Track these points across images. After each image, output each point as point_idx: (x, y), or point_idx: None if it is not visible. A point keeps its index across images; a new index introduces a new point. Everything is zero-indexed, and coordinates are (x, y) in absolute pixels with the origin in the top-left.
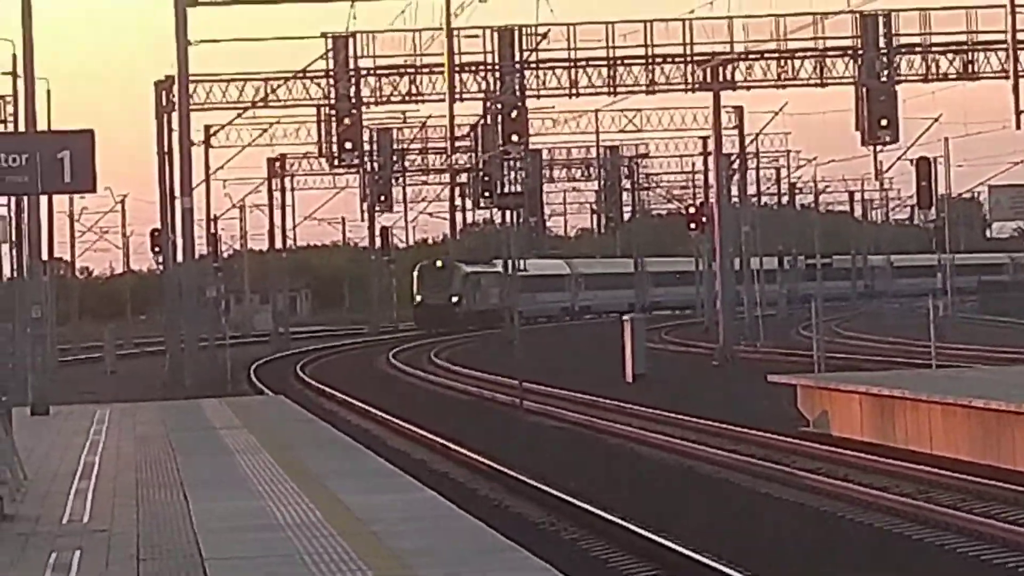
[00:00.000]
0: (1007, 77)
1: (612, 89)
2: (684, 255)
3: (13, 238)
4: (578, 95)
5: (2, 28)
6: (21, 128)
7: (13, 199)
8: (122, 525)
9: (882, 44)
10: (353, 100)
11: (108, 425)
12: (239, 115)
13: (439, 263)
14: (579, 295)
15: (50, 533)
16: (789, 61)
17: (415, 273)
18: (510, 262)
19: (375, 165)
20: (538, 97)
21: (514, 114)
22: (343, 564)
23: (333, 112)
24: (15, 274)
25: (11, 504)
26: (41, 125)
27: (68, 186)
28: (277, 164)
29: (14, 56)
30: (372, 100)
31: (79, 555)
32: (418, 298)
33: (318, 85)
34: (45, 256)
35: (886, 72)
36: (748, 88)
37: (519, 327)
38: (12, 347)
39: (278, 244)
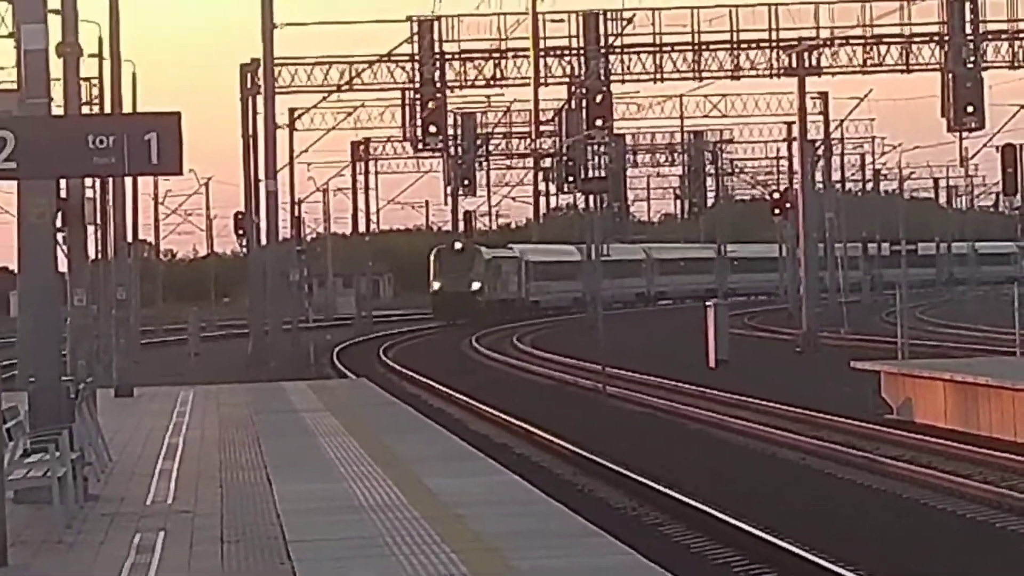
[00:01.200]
0: None
1: (697, 74)
2: (767, 241)
3: (98, 220)
4: (663, 80)
5: (89, 10)
6: (107, 110)
7: (98, 181)
8: (206, 506)
9: (968, 30)
10: (438, 84)
11: (192, 407)
12: (324, 98)
13: (458, 246)
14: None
15: (135, 514)
16: (875, 47)
17: (431, 257)
18: (593, 247)
19: (459, 149)
20: (623, 82)
21: (599, 99)
22: (427, 547)
23: (418, 96)
24: (100, 256)
25: (96, 485)
26: (126, 107)
27: (155, 168)
28: (361, 147)
29: (100, 38)
30: (457, 84)
31: (163, 536)
32: (435, 285)
33: (403, 69)
34: (130, 238)
35: (972, 58)
36: (833, 74)
37: (601, 312)
38: (97, 329)
39: (361, 228)
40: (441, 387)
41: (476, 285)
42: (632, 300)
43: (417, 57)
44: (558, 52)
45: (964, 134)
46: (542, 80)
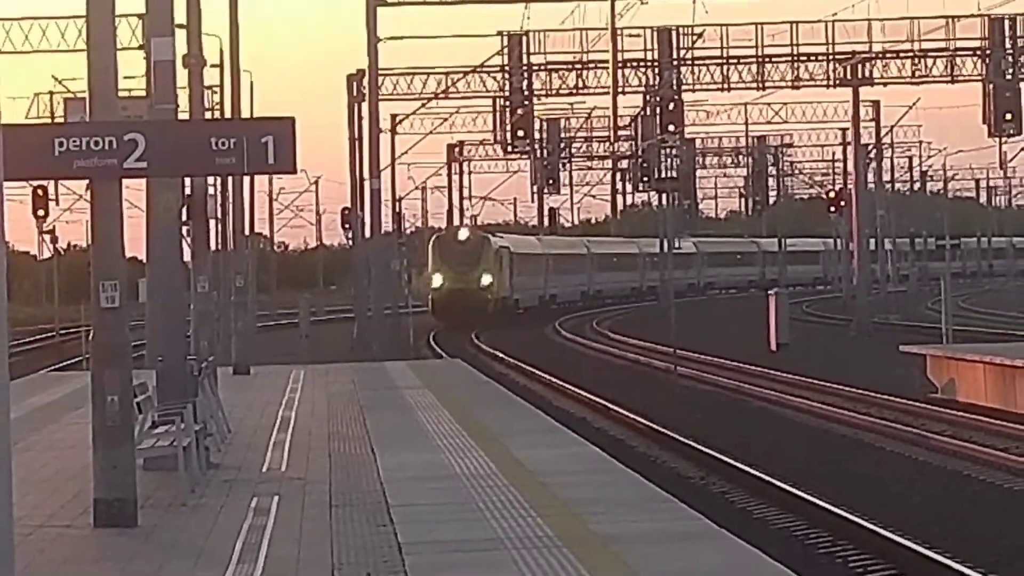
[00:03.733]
0: None
1: (760, 84)
2: (821, 235)
3: (219, 215)
4: (729, 89)
5: (212, 25)
6: (228, 115)
7: (219, 180)
8: (316, 474)
9: (1008, 45)
10: (525, 93)
11: (302, 384)
12: (422, 105)
13: (463, 234)
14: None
15: (251, 480)
16: (922, 60)
17: (430, 246)
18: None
19: (544, 152)
20: (693, 91)
21: (671, 106)
22: (515, 511)
23: (507, 103)
24: (220, 247)
25: (217, 454)
26: (244, 112)
27: (271, 167)
28: (456, 150)
29: (221, 51)
30: (543, 93)
31: (277, 500)
32: (435, 281)
33: (494, 79)
34: (247, 231)
35: (1011, 70)
36: (884, 84)
37: (674, 300)
38: (218, 313)
39: (456, 222)
40: (528, 367)
41: (486, 280)
42: (683, 290)
43: (507, 68)
44: (635, 64)
45: (1003, 139)
46: (620, 89)
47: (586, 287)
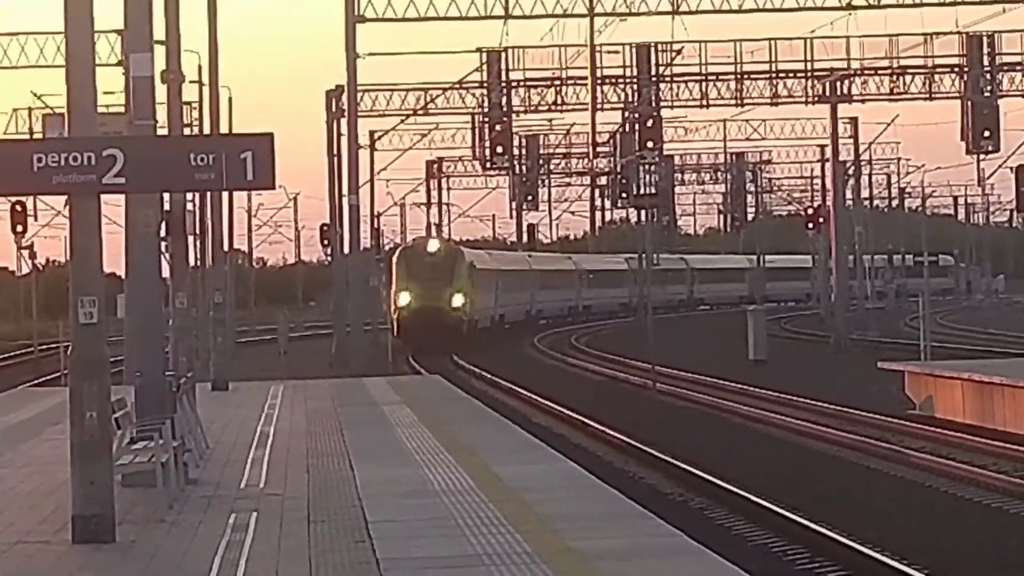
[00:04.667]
0: None
1: (739, 101)
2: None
3: (198, 230)
4: (708, 106)
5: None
6: (206, 130)
7: (198, 196)
8: (294, 490)
9: (986, 62)
10: (504, 109)
11: (281, 400)
12: (401, 121)
13: (433, 246)
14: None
15: (230, 496)
16: (901, 77)
17: (394, 260)
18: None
19: (523, 168)
20: (671, 107)
21: (650, 123)
22: (493, 527)
23: (486, 120)
24: (199, 263)
25: (195, 470)
26: (223, 128)
27: (249, 183)
28: (435, 166)
29: (200, 67)
30: (521, 109)
31: (256, 516)
32: (402, 299)
33: (473, 95)
34: (226, 247)
35: (989, 88)
36: (863, 101)
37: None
38: (196, 329)
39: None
40: (506, 383)
41: (458, 300)
42: (674, 306)
43: (486, 84)
44: (613, 80)
45: (981, 156)
46: (599, 106)
47: (574, 303)
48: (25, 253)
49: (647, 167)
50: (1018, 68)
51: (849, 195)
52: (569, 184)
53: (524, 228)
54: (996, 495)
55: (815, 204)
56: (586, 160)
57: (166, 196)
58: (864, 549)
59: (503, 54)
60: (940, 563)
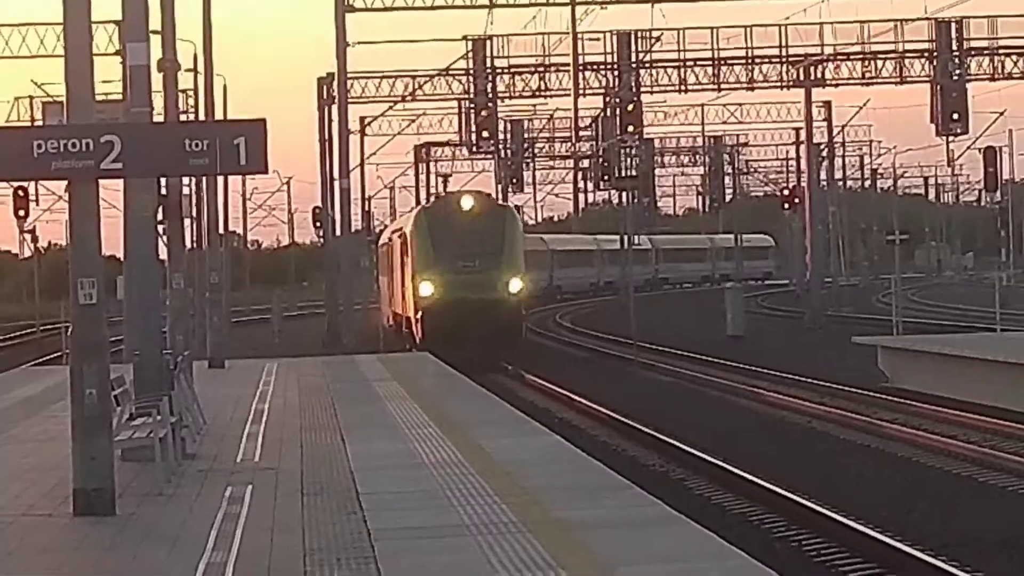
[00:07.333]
0: None
1: (716, 86)
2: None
3: (194, 214)
4: (686, 91)
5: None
6: (201, 117)
7: (194, 180)
8: (288, 464)
9: (955, 47)
10: (489, 95)
11: (275, 377)
12: (390, 107)
13: (469, 203)
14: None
15: (226, 470)
16: (872, 62)
17: (409, 227)
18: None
19: (508, 152)
20: (651, 93)
21: (630, 108)
22: (481, 499)
23: (472, 105)
24: (195, 245)
25: (192, 445)
26: (218, 115)
27: (243, 168)
28: (423, 150)
29: (195, 56)
30: (506, 95)
31: (251, 489)
32: (424, 288)
33: (459, 82)
34: (221, 230)
35: (958, 72)
36: (836, 86)
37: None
38: (193, 309)
39: None
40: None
41: (515, 286)
42: (640, 285)
43: (472, 71)
44: (595, 67)
45: (951, 138)
46: (581, 91)
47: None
48: (27, 237)
49: (628, 150)
50: (986, 52)
51: (823, 176)
52: (553, 167)
53: None
54: (965, 464)
55: (791, 185)
56: (569, 144)
57: (163, 181)
58: (839, 517)
59: (488, 42)
60: (912, 531)
